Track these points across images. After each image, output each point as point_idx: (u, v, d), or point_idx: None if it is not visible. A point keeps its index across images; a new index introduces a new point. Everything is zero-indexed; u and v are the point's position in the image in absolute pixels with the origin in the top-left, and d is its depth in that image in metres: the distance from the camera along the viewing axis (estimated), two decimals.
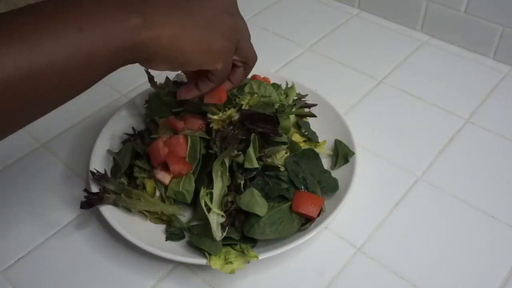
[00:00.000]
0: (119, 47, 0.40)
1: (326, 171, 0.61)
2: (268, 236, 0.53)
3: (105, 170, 0.60)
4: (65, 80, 0.38)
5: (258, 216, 0.54)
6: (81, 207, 0.56)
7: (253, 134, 0.57)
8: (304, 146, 0.63)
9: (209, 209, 0.54)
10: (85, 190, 0.57)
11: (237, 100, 0.62)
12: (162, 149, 0.58)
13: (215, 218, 0.54)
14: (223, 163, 0.56)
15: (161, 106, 0.66)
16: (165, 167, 0.58)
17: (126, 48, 0.41)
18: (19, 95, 0.36)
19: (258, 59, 0.54)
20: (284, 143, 0.60)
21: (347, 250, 0.57)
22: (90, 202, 0.56)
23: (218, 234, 0.53)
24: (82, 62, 0.38)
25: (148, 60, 0.44)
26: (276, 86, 0.68)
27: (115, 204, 0.57)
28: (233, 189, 0.56)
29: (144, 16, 0.41)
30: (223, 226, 0.54)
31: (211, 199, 0.55)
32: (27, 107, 0.38)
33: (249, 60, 0.53)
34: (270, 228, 0.53)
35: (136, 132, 0.66)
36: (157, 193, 0.58)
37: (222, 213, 0.54)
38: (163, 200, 0.58)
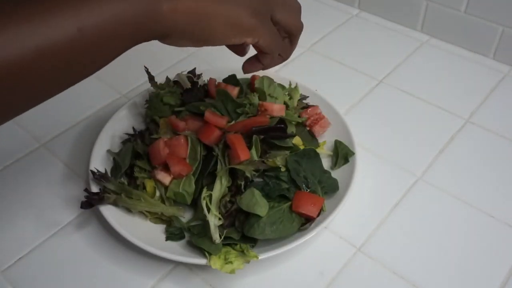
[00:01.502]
0: (131, 21, 0.38)
1: (326, 172, 0.61)
2: (268, 236, 0.53)
3: (105, 169, 0.60)
4: (75, 57, 0.37)
5: (258, 216, 0.54)
6: (81, 207, 0.56)
7: (254, 136, 0.57)
8: (302, 147, 0.63)
9: (210, 210, 0.54)
10: (86, 190, 0.57)
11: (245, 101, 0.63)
12: (162, 150, 0.58)
13: (213, 220, 0.54)
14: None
15: (161, 106, 0.66)
16: (165, 168, 0.58)
17: (140, 22, 0.39)
18: (28, 73, 0.35)
19: None
20: (288, 147, 0.60)
21: (347, 250, 0.57)
22: (90, 202, 0.56)
23: (216, 236, 0.53)
24: (92, 38, 0.37)
25: (164, 35, 0.42)
26: (281, 87, 0.68)
27: (115, 204, 0.57)
28: (234, 190, 0.56)
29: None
30: (222, 227, 0.54)
31: (210, 201, 0.55)
32: (39, 85, 0.36)
33: (292, 30, 0.49)
34: (270, 228, 0.54)
35: (137, 132, 0.66)
36: (157, 193, 0.58)
37: (219, 215, 0.54)
38: (163, 201, 0.58)
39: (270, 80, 0.66)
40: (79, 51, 0.37)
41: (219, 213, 0.54)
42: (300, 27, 0.51)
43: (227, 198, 0.56)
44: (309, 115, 0.66)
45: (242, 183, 0.56)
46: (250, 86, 0.68)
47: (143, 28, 0.40)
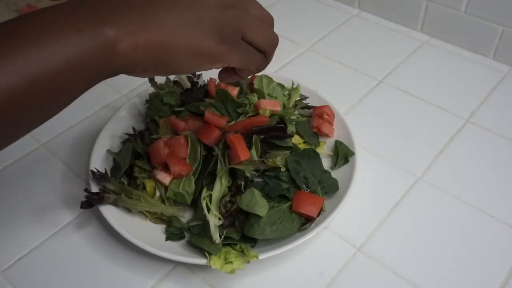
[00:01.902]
0: (93, 63, 0.38)
1: (326, 172, 0.61)
2: (268, 236, 0.53)
3: (105, 169, 0.60)
4: (36, 100, 0.36)
5: (258, 216, 0.54)
6: (81, 207, 0.56)
7: (254, 136, 0.57)
8: (303, 147, 0.63)
9: (210, 210, 0.54)
10: (86, 190, 0.57)
11: (245, 101, 0.63)
12: (162, 150, 0.58)
13: (213, 220, 0.54)
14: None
15: (161, 106, 0.66)
16: (165, 168, 0.58)
17: (97, 64, 0.38)
18: None
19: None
20: (288, 147, 0.60)
21: (347, 250, 0.57)
22: (90, 202, 0.56)
23: (216, 236, 0.53)
24: (53, 81, 0.36)
25: (129, 71, 0.41)
26: (280, 86, 0.68)
27: (115, 204, 0.57)
28: (234, 190, 0.56)
29: (116, 27, 0.38)
30: (222, 227, 0.54)
31: (210, 201, 0.55)
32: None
33: (265, 47, 0.48)
34: (270, 228, 0.53)
35: (136, 132, 0.66)
36: (157, 193, 0.58)
37: (219, 215, 0.54)
38: (163, 201, 0.58)
39: (269, 80, 0.66)
40: (33, 98, 0.36)
41: (219, 213, 0.54)
42: (274, 43, 0.49)
43: (227, 198, 0.56)
44: (320, 112, 0.66)
45: (242, 183, 0.56)
46: (250, 86, 0.68)
47: (101, 69, 0.39)
